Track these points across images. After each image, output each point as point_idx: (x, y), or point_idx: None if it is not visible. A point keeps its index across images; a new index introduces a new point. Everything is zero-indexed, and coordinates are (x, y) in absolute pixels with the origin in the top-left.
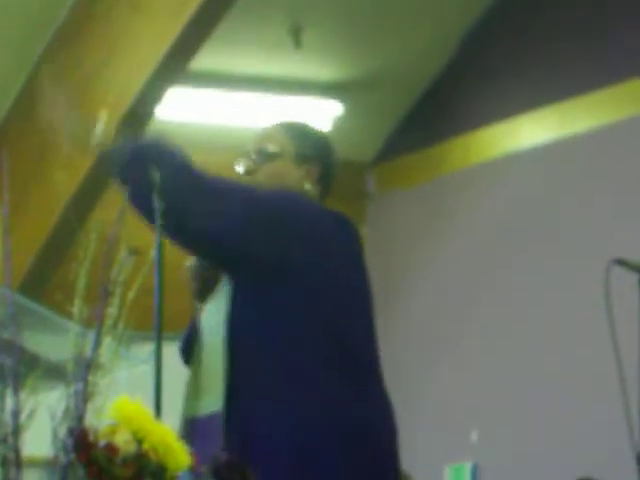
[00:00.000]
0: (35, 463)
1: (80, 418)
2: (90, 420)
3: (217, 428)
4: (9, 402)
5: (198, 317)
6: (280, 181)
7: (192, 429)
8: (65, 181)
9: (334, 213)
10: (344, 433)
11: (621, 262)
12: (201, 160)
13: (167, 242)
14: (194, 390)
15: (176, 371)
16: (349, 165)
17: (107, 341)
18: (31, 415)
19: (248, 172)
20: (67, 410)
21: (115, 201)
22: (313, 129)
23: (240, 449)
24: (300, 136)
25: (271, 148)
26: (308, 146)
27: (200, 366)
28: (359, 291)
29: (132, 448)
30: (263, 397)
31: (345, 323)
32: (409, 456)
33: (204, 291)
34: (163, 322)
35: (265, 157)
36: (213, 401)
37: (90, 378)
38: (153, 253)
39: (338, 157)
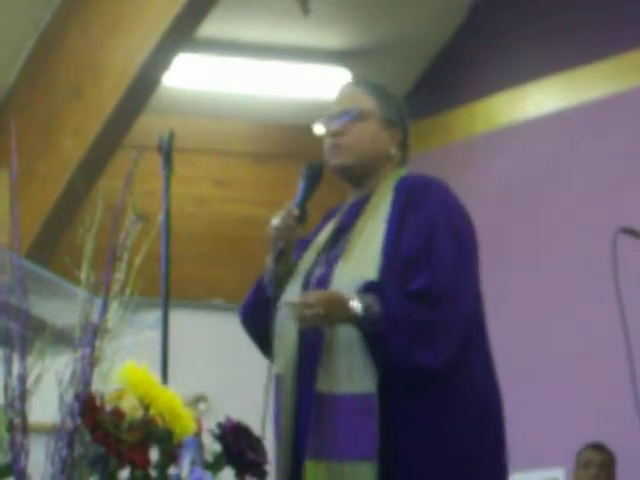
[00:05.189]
0: (42, 429)
1: (87, 383)
2: (97, 385)
3: (369, 408)
4: (16, 367)
5: (273, 280)
6: (369, 143)
7: (329, 406)
8: (73, 148)
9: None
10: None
11: (628, 231)
12: (208, 127)
13: (172, 209)
14: (325, 366)
15: (182, 337)
16: None
17: (114, 307)
18: (38, 380)
19: (337, 133)
20: (74, 375)
21: (122, 168)
22: (393, 93)
23: (401, 431)
24: (385, 99)
25: (360, 107)
26: (393, 109)
27: (326, 341)
28: None
29: (138, 413)
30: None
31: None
32: None
33: (284, 253)
34: (170, 289)
35: (355, 117)
36: (361, 381)
37: (97, 344)
38: (160, 219)
39: None
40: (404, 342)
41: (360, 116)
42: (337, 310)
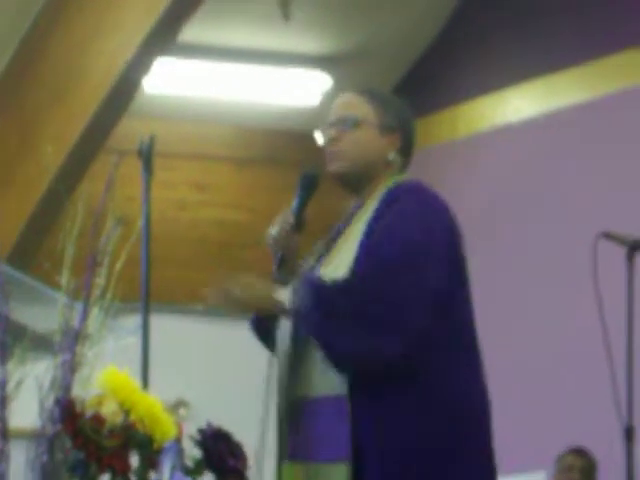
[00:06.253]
0: (22, 434)
1: (67, 389)
2: (77, 391)
3: (342, 410)
4: None
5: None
6: (364, 150)
7: (305, 409)
8: (53, 153)
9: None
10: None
11: (609, 235)
12: (189, 132)
13: (153, 213)
14: (303, 371)
15: (163, 342)
16: None
17: (94, 312)
18: (18, 385)
19: (332, 141)
20: (54, 381)
21: (103, 173)
22: (394, 98)
23: (370, 431)
24: (383, 105)
25: (356, 115)
26: (391, 115)
27: (307, 347)
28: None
29: (119, 419)
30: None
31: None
32: None
33: (285, 260)
34: (150, 293)
35: (349, 125)
36: (333, 383)
37: (77, 349)
38: (140, 224)
39: None
40: (318, 316)
41: (355, 123)
42: (258, 294)
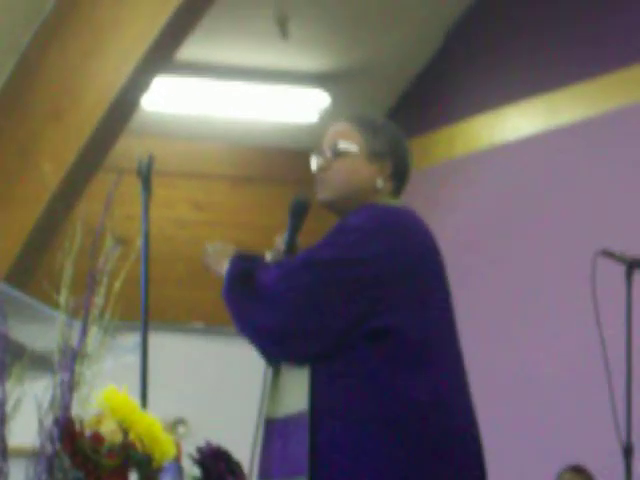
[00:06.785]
0: (21, 453)
1: (66, 408)
2: (76, 410)
3: (301, 429)
4: None
5: None
6: (350, 178)
7: (269, 429)
8: (51, 172)
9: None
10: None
11: (607, 253)
12: (187, 150)
13: (152, 232)
14: (273, 392)
15: (162, 361)
16: None
17: (93, 331)
18: (17, 405)
19: (320, 169)
20: (53, 400)
21: (101, 191)
22: (385, 124)
23: (327, 450)
24: (373, 132)
25: (342, 145)
26: (380, 142)
27: (278, 369)
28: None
29: (118, 438)
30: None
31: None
32: None
33: None
34: (149, 312)
35: (336, 154)
36: (295, 401)
37: (76, 368)
38: (139, 243)
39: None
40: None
41: (342, 152)
42: (215, 257)
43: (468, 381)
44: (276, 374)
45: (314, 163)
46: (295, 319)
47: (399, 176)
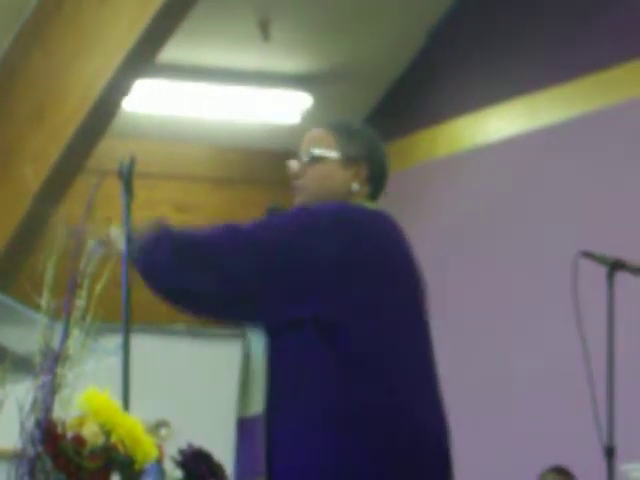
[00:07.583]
0: (3, 455)
1: (48, 410)
2: (58, 412)
3: (254, 429)
4: None
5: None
6: (324, 183)
7: (240, 429)
8: (33, 174)
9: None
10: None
11: (588, 255)
12: (169, 151)
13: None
14: (244, 392)
15: (144, 363)
16: None
17: (75, 333)
18: None
19: (295, 175)
20: (35, 402)
21: (83, 193)
22: (361, 129)
23: (283, 449)
24: (347, 137)
25: (316, 151)
26: (356, 147)
27: (249, 369)
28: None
29: (100, 440)
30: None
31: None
32: None
33: None
34: (131, 314)
35: (311, 160)
36: (249, 405)
37: (58, 370)
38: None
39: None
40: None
41: (316, 158)
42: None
43: (432, 380)
44: (246, 374)
45: (290, 169)
46: (232, 284)
47: (375, 180)
